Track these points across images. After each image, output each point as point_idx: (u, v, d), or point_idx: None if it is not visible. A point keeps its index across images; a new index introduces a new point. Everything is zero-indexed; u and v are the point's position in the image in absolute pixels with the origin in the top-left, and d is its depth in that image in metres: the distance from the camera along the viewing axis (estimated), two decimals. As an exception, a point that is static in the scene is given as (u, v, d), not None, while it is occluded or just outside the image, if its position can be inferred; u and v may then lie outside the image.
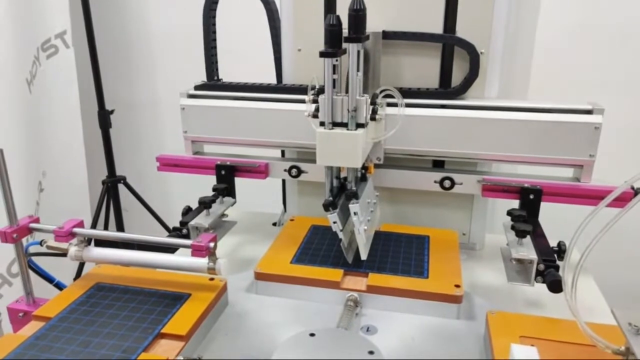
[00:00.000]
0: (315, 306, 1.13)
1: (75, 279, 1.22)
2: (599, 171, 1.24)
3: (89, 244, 1.15)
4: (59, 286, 1.24)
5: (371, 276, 1.15)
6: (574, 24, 2.06)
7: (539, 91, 1.48)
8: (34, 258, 1.18)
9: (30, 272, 1.16)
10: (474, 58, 1.26)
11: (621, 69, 2.08)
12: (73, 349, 0.91)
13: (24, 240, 1.12)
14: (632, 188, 1.12)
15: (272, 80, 1.51)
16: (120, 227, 2.53)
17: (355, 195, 1.10)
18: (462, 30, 1.27)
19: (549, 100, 1.25)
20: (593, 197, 1.21)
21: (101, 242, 1.18)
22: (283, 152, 1.52)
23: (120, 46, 2.68)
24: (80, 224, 1.12)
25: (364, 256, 1.16)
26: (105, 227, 2.44)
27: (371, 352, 0.92)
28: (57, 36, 2.21)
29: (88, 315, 1.01)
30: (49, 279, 1.24)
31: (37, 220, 1.12)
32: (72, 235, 1.11)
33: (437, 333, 1.05)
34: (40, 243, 1.14)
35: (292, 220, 1.46)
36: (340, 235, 1.12)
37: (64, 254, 1.13)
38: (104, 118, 2.34)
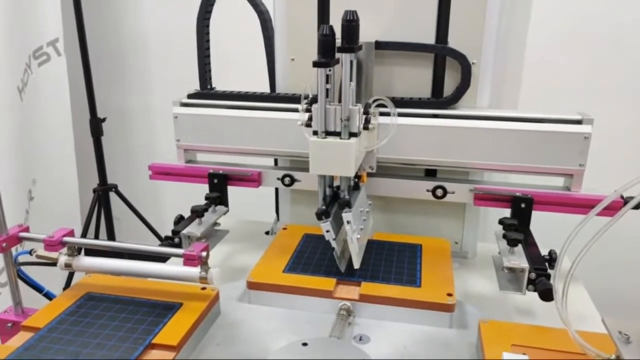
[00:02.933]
0: (307, 315, 1.13)
1: (65, 289, 1.21)
2: (588, 180, 1.25)
3: (79, 253, 1.14)
4: (49, 296, 1.22)
5: (364, 285, 1.15)
6: (564, 32, 2.09)
7: (530, 99, 1.49)
8: (23, 267, 1.17)
9: (20, 282, 1.14)
10: (466, 68, 1.27)
11: (612, 77, 2.10)
12: (63, 359, 0.90)
13: (13, 249, 1.10)
14: (622, 197, 1.13)
15: (265, 89, 1.51)
16: (111, 236, 2.51)
17: (348, 204, 1.10)
18: (454, 41, 1.28)
19: (539, 110, 1.27)
20: (583, 206, 1.23)
21: (92, 251, 1.17)
22: (276, 161, 1.52)
23: (113, 54, 2.68)
24: (71, 233, 1.11)
25: (356, 265, 1.16)
26: (96, 236, 2.43)
27: (364, 362, 0.92)
28: (49, 44, 2.20)
29: (78, 325, 1.00)
30: (38, 288, 1.23)
31: (26, 229, 1.11)
32: (62, 244, 1.09)
33: (430, 342, 1.05)
34: (30, 252, 1.13)
35: (284, 228, 1.46)
36: (333, 244, 1.13)
37: (53, 263, 1.12)
38: (96, 126, 2.34)
